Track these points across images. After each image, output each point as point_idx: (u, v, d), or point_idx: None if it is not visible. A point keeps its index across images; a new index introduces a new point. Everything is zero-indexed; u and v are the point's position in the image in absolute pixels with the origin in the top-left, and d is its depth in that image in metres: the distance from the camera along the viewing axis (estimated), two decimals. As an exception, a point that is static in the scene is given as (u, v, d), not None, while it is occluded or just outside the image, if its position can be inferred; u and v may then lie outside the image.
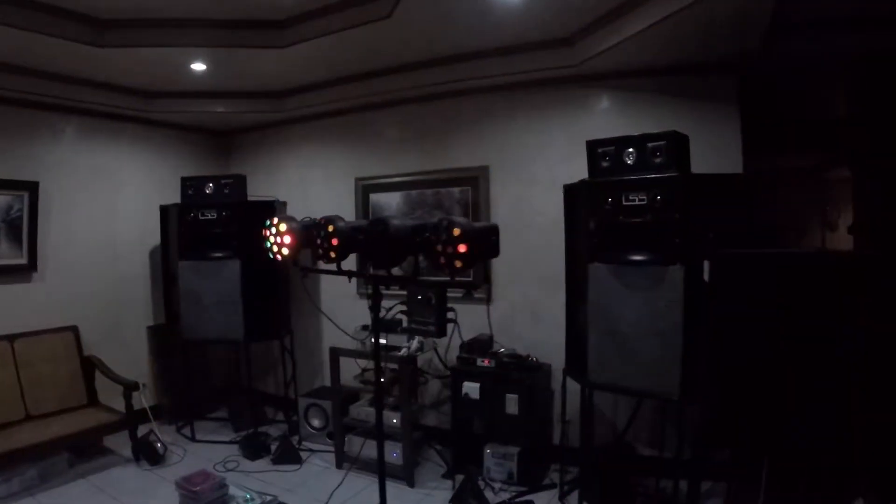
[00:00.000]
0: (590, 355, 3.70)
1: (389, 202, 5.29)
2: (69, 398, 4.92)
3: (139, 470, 4.67)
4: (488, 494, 4.12)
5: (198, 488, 2.97)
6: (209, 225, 5.11)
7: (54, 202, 5.15)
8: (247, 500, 3.03)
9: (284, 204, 5.55)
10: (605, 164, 3.68)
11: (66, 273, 5.23)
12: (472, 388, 4.39)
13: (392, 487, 4.16)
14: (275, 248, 3.45)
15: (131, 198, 5.71)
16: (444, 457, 4.77)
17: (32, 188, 4.97)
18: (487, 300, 4.87)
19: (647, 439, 4.33)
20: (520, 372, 4.31)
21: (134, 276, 5.77)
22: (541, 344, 4.60)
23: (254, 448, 4.93)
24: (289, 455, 4.84)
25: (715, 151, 3.97)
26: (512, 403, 4.28)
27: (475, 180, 4.90)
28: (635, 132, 3.55)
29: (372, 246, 3.04)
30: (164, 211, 5.50)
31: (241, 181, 5.27)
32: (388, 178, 5.35)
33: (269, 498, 3.11)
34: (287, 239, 3.40)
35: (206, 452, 5.00)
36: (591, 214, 3.70)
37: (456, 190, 4.98)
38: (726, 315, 3.24)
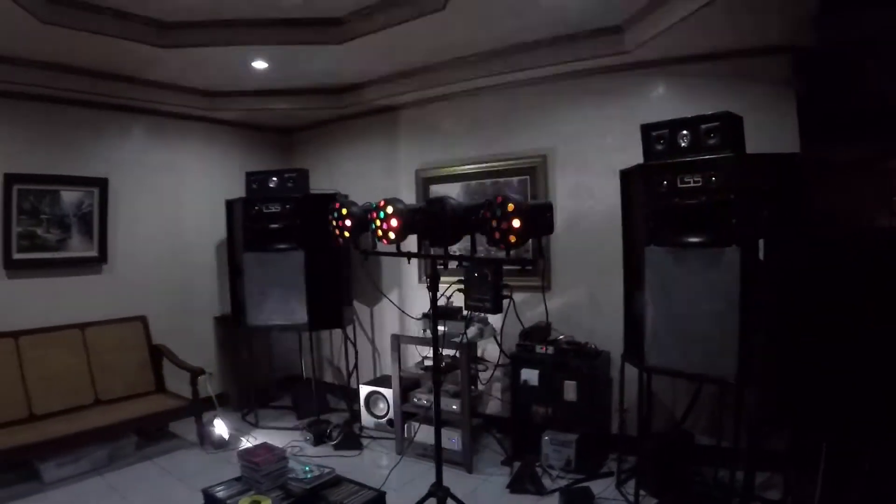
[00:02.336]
0: (646, 339, 3.69)
1: (449, 193, 5.35)
2: (137, 384, 5.19)
3: (204, 453, 4.87)
4: (546, 481, 4.15)
5: (259, 459, 3.10)
6: (273, 218, 5.29)
7: (123, 198, 5.44)
8: (305, 472, 3.14)
9: (346, 197, 5.70)
10: (659, 147, 3.68)
11: (134, 265, 5.52)
12: (531, 376, 4.44)
13: (451, 473, 4.27)
14: (336, 232, 3.59)
15: (198, 193, 5.98)
16: (503, 444, 4.82)
17: (102, 184, 5.27)
18: (546, 288, 4.89)
19: (706, 427, 4.27)
20: (578, 359, 4.33)
21: (201, 268, 6.03)
22: (600, 332, 4.60)
23: (316, 434, 5.07)
24: (350, 441, 4.97)
25: (771, 136, 3.88)
26: (570, 390, 4.30)
27: (533, 170, 4.93)
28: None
29: (431, 224, 3.14)
30: (230, 205, 5.71)
31: (303, 175, 5.45)
32: (447, 170, 5.43)
33: (326, 470, 3.22)
34: (347, 222, 3.54)
35: (268, 438, 5.16)
36: (647, 198, 3.70)
37: (515, 180, 5.02)
38: (783, 295, 3.21)
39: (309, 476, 3.09)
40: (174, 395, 5.16)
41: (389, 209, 3.17)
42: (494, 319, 4.86)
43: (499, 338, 4.73)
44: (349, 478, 3.31)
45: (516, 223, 2.75)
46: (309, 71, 5.07)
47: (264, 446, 3.32)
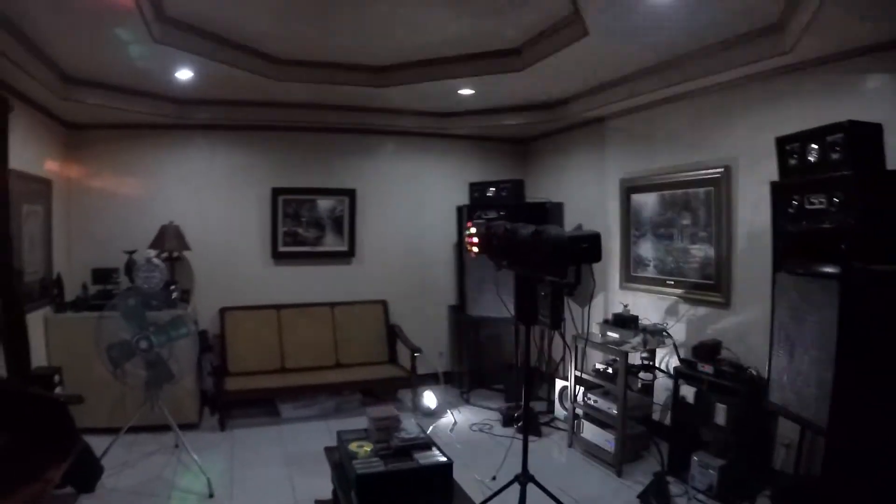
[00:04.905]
0: (771, 375, 3.44)
1: (646, 202, 5.36)
2: (372, 355, 6.41)
3: (413, 418, 5.70)
4: (683, 501, 4.08)
5: (374, 415, 3.80)
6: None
7: (369, 204, 6.75)
8: (407, 433, 3.73)
9: (559, 205, 6.07)
10: (792, 161, 3.37)
11: (378, 258, 6.79)
12: (688, 392, 4.36)
13: (600, 472, 4.60)
14: (468, 246, 4.07)
15: (435, 199, 6.97)
16: (662, 455, 4.76)
17: (351, 194, 6.64)
18: (725, 305, 4.63)
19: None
20: (735, 383, 4.10)
21: (437, 264, 7.00)
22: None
23: (506, 417, 5.63)
24: (531, 427, 5.38)
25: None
26: (721, 413, 4.12)
27: (717, 181, 4.67)
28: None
29: (506, 247, 3.50)
30: (459, 210, 6.52)
31: (517, 185, 5.99)
32: (645, 179, 5.41)
33: (422, 435, 3.78)
34: (475, 239, 4.00)
35: (470, 414, 5.91)
36: (778, 218, 3.42)
37: (701, 191, 4.82)
38: None
39: (407, 436, 3.71)
40: (402, 368, 6.20)
41: (472, 230, 3.58)
42: (676, 330, 4.83)
43: (671, 350, 4.69)
44: (439, 446, 3.77)
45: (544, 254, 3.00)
46: (508, 92, 5.57)
47: (388, 409, 4.00)
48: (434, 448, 3.68)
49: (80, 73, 4.77)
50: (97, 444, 4.36)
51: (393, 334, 6.53)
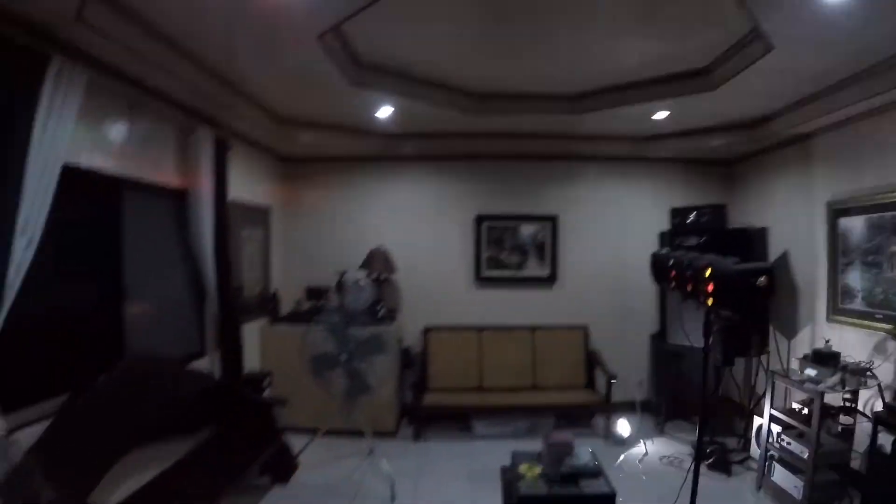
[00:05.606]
0: None
1: (853, 226, 4.89)
2: (569, 379, 6.46)
3: (603, 445, 5.72)
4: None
5: (549, 443, 3.96)
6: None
7: (570, 229, 6.83)
8: (578, 460, 3.82)
9: (763, 230, 5.74)
10: None
11: (579, 284, 6.81)
12: (887, 441, 3.95)
13: None
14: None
15: (637, 224, 6.81)
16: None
17: (553, 219, 6.76)
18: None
19: None
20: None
21: (639, 291, 6.78)
22: None
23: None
24: (720, 465, 5.14)
25: None
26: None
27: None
28: None
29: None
30: (661, 237, 6.42)
31: (718, 210, 5.78)
32: (852, 201, 4.91)
33: (592, 463, 3.84)
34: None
35: (663, 445, 5.77)
36: None
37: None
38: None
39: (577, 463, 3.83)
40: (598, 394, 6.21)
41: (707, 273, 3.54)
42: (884, 370, 4.42)
43: (880, 391, 4.26)
44: (606, 476, 3.78)
45: (710, 287, 2.97)
46: (703, 113, 5.38)
47: (564, 437, 4.13)
48: (602, 478, 3.74)
49: (290, 114, 5.57)
50: (298, 442, 5.04)
51: (591, 360, 6.56)
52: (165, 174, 4.47)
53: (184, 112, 4.52)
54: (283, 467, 4.85)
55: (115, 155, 3.85)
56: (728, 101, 4.90)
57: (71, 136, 3.10)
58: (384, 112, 5.33)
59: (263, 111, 5.26)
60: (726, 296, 2.96)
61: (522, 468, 3.84)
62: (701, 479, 4.79)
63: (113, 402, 3.54)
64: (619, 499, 3.67)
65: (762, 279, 3.15)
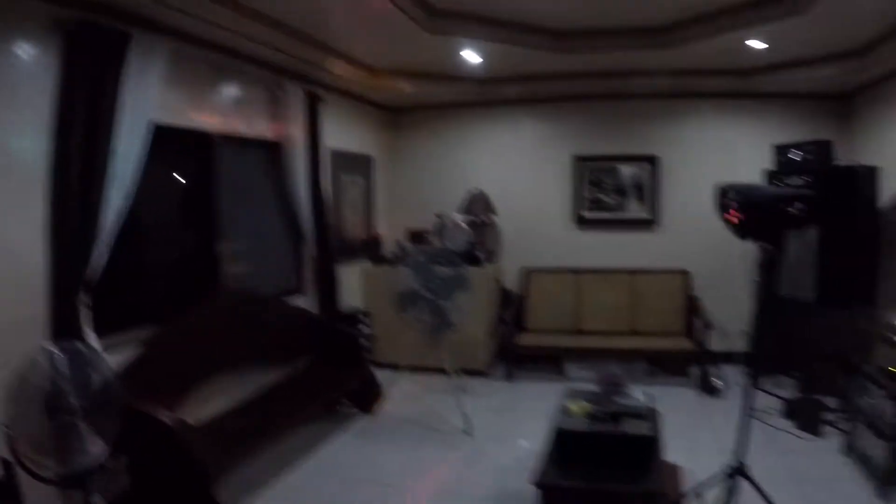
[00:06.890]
0: None
1: None
2: (668, 325, 6.31)
3: (696, 396, 5.64)
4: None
5: (598, 379, 4.02)
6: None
7: (671, 170, 6.61)
8: (627, 399, 3.83)
9: (872, 169, 5.22)
10: None
11: (681, 227, 6.58)
12: None
13: (856, 489, 3.98)
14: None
15: (742, 164, 6.28)
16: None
17: (653, 160, 6.57)
18: None
19: None
20: None
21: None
22: None
23: (791, 409, 5.13)
24: (810, 424, 4.84)
25: None
26: None
27: None
28: None
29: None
30: (766, 176, 5.92)
31: (823, 147, 5.27)
32: None
33: (644, 404, 3.83)
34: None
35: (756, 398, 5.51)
36: None
37: None
38: None
39: (627, 403, 3.85)
40: (697, 342, 5.98)
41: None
42: None
43: None
44: (656, 419, 3.70)
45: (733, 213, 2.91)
46: (802, 42, 4.95)
47: (615, 376, 4.16)
48: (647, 420, 3.76)
49: (382, 66, 5.80)
50: (389, 377, 5.47)
51: (692, 307, 6.33)
52: (258, 128, 4.94)
53: (273, 71, 4.95)
54: (369, 398, 5.26)
55: (207, 113, 4.35)
56: (826, 25, 4.46)
57: (156, 99, 3.59)
58: (470, 57, 5.41)
59: (354, 65, 5.56)
60: (753, 224, 2.84)
61: (571, 403, 3.94)
62: (784, 438, 4.68)
63: (206, 329, 4.10)
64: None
65: (798, 206, 2.96)
